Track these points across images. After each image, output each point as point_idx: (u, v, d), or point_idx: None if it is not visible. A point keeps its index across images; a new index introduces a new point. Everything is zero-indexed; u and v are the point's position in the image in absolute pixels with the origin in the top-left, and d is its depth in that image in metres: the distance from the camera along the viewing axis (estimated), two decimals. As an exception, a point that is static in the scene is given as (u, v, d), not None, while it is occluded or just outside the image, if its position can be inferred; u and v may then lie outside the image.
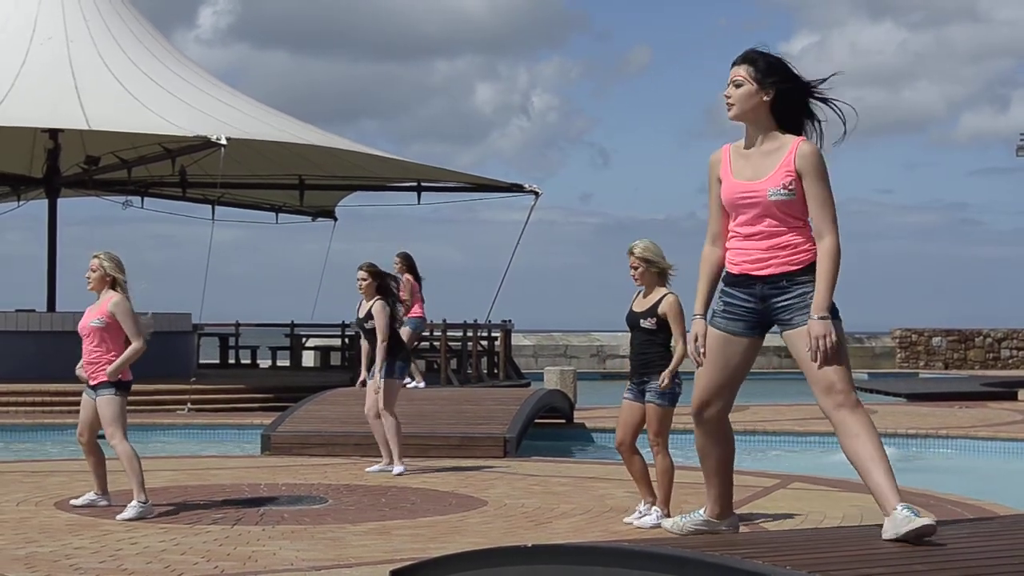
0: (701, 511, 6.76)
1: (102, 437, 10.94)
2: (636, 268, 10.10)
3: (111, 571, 8.29)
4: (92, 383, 10.85)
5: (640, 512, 10.33)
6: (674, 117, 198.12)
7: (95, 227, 72.80)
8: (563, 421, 20.32)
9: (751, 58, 6.37)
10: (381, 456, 13.88)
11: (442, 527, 10.22)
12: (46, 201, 31.03)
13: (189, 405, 23.11)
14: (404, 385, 14.46)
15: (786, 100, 6.35)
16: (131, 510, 10.44)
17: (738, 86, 6.34)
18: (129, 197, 33.85)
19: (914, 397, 27.55)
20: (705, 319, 6.53)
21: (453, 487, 12.68)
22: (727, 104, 6.36)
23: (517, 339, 39.00)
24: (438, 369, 26.62)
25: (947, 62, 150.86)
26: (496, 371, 29.56)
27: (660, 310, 10.04)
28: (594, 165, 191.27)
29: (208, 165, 26.81)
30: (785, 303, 6.32)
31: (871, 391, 28.47)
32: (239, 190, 33.54)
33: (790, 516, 10.62)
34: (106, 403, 10.76)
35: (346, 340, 31.46)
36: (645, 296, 10.16)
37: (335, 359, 32.36)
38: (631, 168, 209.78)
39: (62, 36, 27.63)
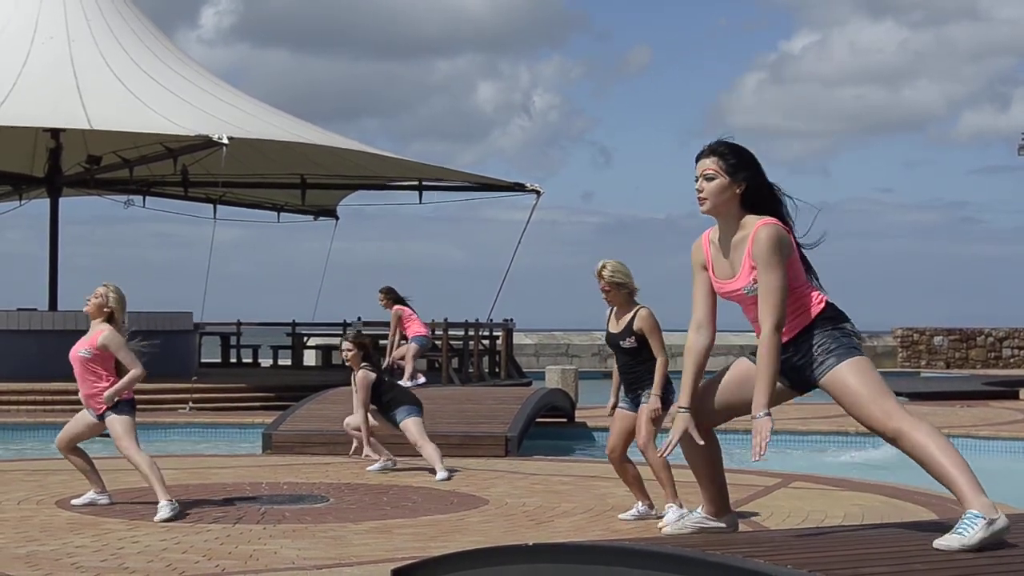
0: (699, 510, 6.75)
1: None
2: (607, 291, 10.20)
3: (112, 570, 8.29)
4: (97, 414, 10.89)
5: (638, 511, 10.39)
6: (674, 116, 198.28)
7: (97, 226, 73.04)
8: (564, 420, 20.33)
9: (720, 151, 6.28)
10: (379, 456, 13.91)
11: (443, 526, 10.22)
12: (48, 200, 31.06)
13: (190, 404, 23.12)
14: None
15: (755, 191, 6.29)
16: (165, 510, 10.41)
17: (709, 179, 6.25)
18: (131, 196, 33.88)
19: (916, 396, 27.56)
20: (690, 412, 6.31)
21: (454, 486, 12.69)
22: (699, 199, 6.27)
23: (518, 338, 38.98)
24: (439, 368, 26.63)
25: (947, 61, 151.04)
26: (497, 370, 29.56)
27: (636, 327, 10.15)
28: (595, 164, 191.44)
29: (210, 164, 26.83)
30: (802, 361, 6.23)
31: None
32: (241, 189, 33.54)
33: (791, 515, 10.62)
34: (114, 423, 10.80)
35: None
36: (618, 317, 10.23)
37: (336, 358, 32.33)
38: (632, 167, 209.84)
39: (63, 35, 27.63)
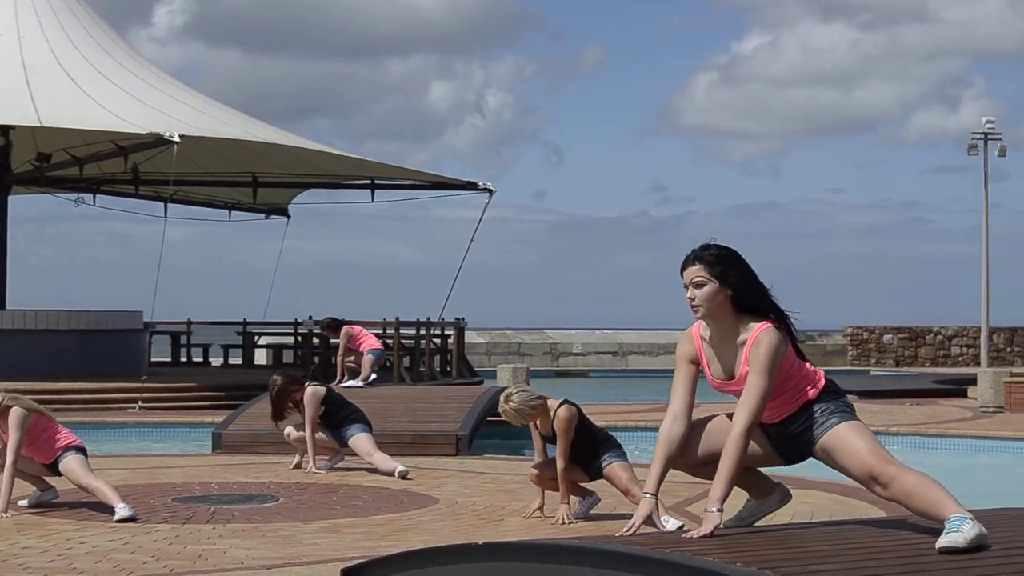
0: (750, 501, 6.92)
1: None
2: (527, 423, 10.27)
3: (60, 571, 8.23)
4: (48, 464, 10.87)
5: (581, 508, 10.44)
6: (627, 116, 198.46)
7: (47, 224, 72.66)
8: (515, 419, 20.32)
9: (705, 258, 6.36)
10: (325, 454, 13.91)
11: (393, 525, 10.20)
12: (-4, 198, 30.83)
13: (140, 403, 23.02)
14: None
15: (745, 291, 6.36)
16: (124, 511, 10.33)
17: (699, 286, 6.33)
18: (81, 194, 33.72)
19: (865, 395, 27.73)
20: (656, 499, 6.44)
21: (405, 485, 12.66)
22: (693, 307, 6.35)
23: (470, 337, 39.00)
24: (391, 367, 26.59)
25: (898, 62, 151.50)
26: (449, 369, 29.56)
27: (555, 426, 10.18)
28: (548, 163, 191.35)
29: (161, 162, 26.72)
30: (802, 427, 6.39)
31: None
32: (192, 187, 33.44)
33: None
34: (67, 467, 10.74)
35: (299, 338, 31.40)
36: (543, 426, 10.30)
37: (288, 357, 32.27)
38: (585, 166, 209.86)
39: (14, 32, 27.45)
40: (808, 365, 6.47)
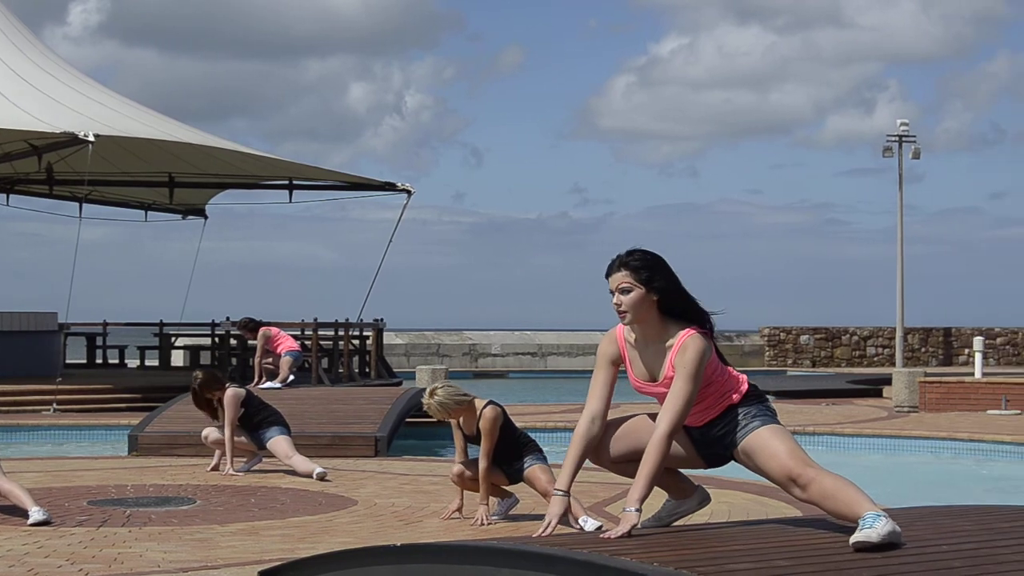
0: (667, 502, 6.95)
1: None
2: (450, 419, 10.25)
3: (-28, 575, 8.14)
4: None
5: (500, 508, 10.45)
6: (546, 117, 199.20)
7: (-43, 225, 71.59)
8: (435, 420, 20.26)
9: (631, 264, 6.41)
10: (243, 456, 13.83)
11: (311, 527, 10.16)
12: (-94, 199, 30.46)
13: (55, 406, 22.77)
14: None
15: (670, 295, 6.40)
16: (38, 514, 10.19)
17: (625, 292, 6.38)
18: (-6, 194, 33.30)
19: (782, 395, 27.94)
20: (568, 496, 6.50)
21: (323, 487, 12.61)
22: (620, 312, 6.40)
23: (389, 338, 38.93)
24: (309, 368, 26.48)
25: (814, 65, 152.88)
26: (368, 370, 29.47)
27: (480, 426, 10.17)
28: (467, 165, 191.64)
29: (75, 162, 26.45)
30: (724, 431, 6.47)
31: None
32: (107, 188, 33.12)
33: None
34: None
35: (216, 339, 31.21)
36: (466, 425, 10.28)
37: (205, 358, 32.05)
38: (504, 168, 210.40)
39: (-76, 30, 27.11)
40: (731, 370, 6.55)
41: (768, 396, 6.71)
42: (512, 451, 10.31)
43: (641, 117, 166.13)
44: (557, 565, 5.14)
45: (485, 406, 10.17)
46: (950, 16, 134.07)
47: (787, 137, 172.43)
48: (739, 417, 6.44)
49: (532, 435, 10.84)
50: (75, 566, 8.41)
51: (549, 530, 6.33)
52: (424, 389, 11.57)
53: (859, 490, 6.02)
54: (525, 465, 10.25)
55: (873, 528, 5.67)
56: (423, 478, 13.37)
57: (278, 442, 13.66)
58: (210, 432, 13.88)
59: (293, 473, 13.39)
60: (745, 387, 6.53)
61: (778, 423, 6.46)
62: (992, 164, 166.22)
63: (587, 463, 6.69)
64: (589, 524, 9.19)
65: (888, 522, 5.70)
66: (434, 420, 19.26)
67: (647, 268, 6.40)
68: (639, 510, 6.09)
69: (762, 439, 6.34)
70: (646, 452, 6.25)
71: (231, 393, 13.60)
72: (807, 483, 6.12)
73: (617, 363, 6.56)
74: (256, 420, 13.76)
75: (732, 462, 6.59)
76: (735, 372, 6.56)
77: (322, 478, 13.03)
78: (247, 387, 14.91)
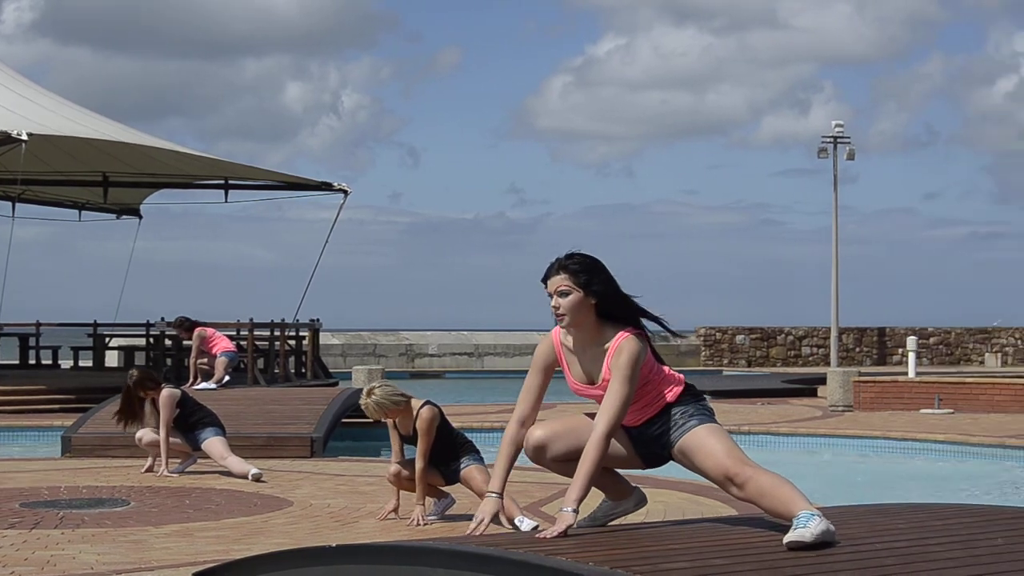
0: (603, 503, 6.95)
1: None
2: (387, 419, 10.24)
3: (-98, 578, 8.05)
4: None
5: (436, 509, 10.45)
6: (483, 118, 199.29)
7: None
8: (371, 421, 20.23)
9: (569, 267, 6.40)
10: (178, 458, 13.76)
11: (246, 528, 10.12)
12: None
13: (-13, 407, 22.55)
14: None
15: (609, 299, 6.41)
16: None
17: (564, 295, 6.37)
18: (-76, 194, 32.96)
19: (718, 394, 28.05)
20: (500, 498, 6.50)
21: (258, 488, 12.57)
22: (558, 316, 6.39)
23: (325, 338, 38.81)
24: (245, 369, 26.35)
25: (749, 66, 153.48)
26: (304, 370, 29.37)
27: (416, 426, 10.17)
28: (404, 165, 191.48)
29: (8, 161, 26.19)
30: (661, 430, 6.47)
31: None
32: (41, 187, 32.85)
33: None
34: None
35: (151, 340, 31.01)
36: (403, 425, 10.26)
37: (140, 359, 31.84)
38: (441, 168, 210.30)
39: None
40: (667, 369, 6.56)
41: (705, 395, 6.73)
42: (449, 451, 10.30)
43: (578, 117, 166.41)
44: (493, 565, 5.14)
45: (422, 406, 10.16)
46: (884, 18, 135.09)
47: (723, 138, 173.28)
48: (676, 416, 6.45)
49: (469, 435, 10.84)
50: (7, 569, 8.33)
51: (481, 528, 6.33)
52: (361, 389, 11.53)
53: (795, 489, 6.04)
54: (462, 465, 10.26)
55: (807, 527, 5.69)
56: (359, 479, 13.34)
57: (213, 443, 13.59)
58: (144, 434, 13.78)
59: (228, 474, 13.33)
60: (681, 387, 6.54)
61: (715, 422, 6.47)
62: (926, 165, 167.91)
63: (528, 462, 6.70)
64: (525, 524, 9.19)
65: (822, 521, 5.72)
66: (370, 421, 19.30)
67: (586, 271, 6.40)
68: (576, 511, 6.10)
69: (699, 438, 6.35)
70: (584, 452, 6.25)
71: (166, 393, 13.52)
72: (744, 481, 6.14)
73: (551, 368, 6.57)
74: (191, 421, 13.69)
75: (670, 461, 6.60)
76: (671, 371, 6.57)
77: (257, 479, 12.98)
78: (182, 387, 14.82)
